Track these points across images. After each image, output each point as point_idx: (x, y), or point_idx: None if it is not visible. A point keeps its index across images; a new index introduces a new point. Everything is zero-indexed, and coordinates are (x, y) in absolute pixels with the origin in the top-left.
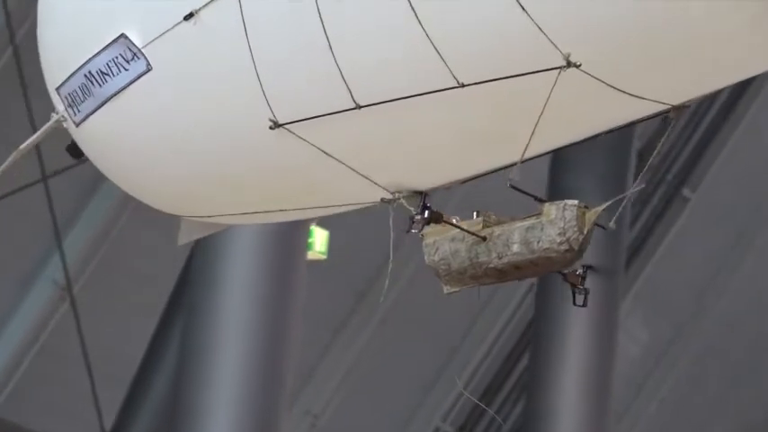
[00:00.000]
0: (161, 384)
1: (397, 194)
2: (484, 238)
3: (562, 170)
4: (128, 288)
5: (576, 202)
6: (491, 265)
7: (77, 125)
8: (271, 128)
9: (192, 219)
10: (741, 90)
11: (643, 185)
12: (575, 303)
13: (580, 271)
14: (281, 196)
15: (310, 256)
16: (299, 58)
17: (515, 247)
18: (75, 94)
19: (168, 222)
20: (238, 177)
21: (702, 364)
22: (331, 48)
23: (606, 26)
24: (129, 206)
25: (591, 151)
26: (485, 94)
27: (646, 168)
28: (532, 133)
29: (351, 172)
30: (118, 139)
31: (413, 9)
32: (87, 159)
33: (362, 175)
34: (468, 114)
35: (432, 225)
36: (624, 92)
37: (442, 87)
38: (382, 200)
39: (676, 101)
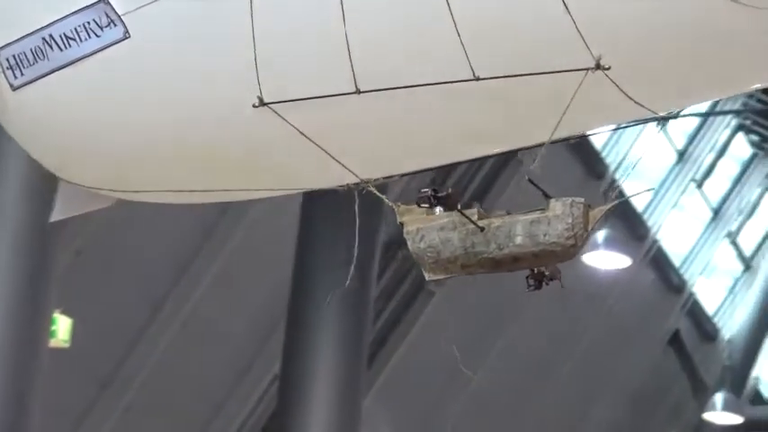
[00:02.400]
0: None
1: (365, 180)
2: (482, 229)
3: (308, 255)
4: None
5: (582, 199)
6: (489, 256)
7: (14, 89)
8: (254, 105)
9: (72, 190)
10: (482, 195)
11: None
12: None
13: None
14: (237, 175)
15: (53, 343)
16: (304, 36)
17: (519, 240)
18: (22, 57)
19: None
20: (201, 153)
21: None
22: (345, 27)
23: (634, 32)
24: None
25: (336, 241)
26: (492, 88)
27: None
28: (557, 124)
29: (323, 155)
30: (64, 104)
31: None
32: None
33: (337, 161)
34: (467, 108)
35: (411, 211)
36: (633, 100)
37: (454, 79)
38: (348, 185)
39: (665, 110)
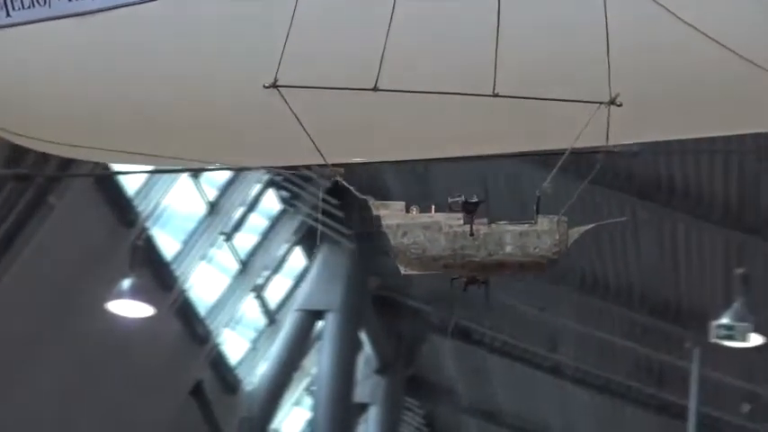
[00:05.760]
0: None
1: (334, 165)
2: (472, 234)
3: None
4: None
5: (565, 218)
6: (476, 260)
7: None
8: (265, 86)
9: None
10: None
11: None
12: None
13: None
14: (211, 147)
15: None
16: (341, 27)
17: (509, 249)
18: None
19: None
20: (190, 122)
21: None
22: (390, 25)
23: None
24: None
25: None
26: (502, 102)
27: None
28: (571, 144)
29: (306, 143)
30: (54, 53)
31: (499, 15)
32: None
33: (316, 147)
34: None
35: (387, 206)
36: (609, 145)
37: (472, 92)
38: (319, 173)
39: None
